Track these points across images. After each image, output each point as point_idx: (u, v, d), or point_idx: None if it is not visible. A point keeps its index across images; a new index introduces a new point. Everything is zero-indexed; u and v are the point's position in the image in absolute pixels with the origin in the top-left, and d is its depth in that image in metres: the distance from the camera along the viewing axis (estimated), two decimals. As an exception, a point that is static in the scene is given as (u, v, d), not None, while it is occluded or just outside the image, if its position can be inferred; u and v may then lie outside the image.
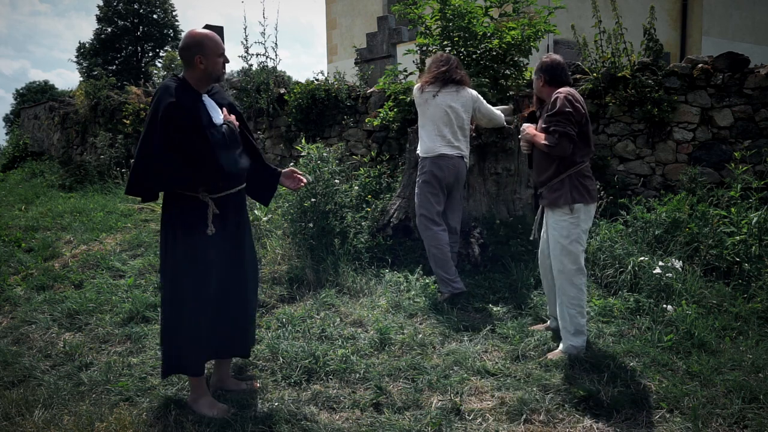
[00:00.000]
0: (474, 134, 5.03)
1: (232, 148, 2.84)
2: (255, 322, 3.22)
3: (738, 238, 4.40)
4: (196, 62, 2.81)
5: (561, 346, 3.45)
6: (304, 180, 3.30)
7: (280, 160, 7.73)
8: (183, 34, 2.91)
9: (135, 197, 2.96)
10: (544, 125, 3.43)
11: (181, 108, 2.73)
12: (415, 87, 4.52)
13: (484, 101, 4.58)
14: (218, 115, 2.89)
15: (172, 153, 2.71)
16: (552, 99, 3.39)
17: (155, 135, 2.74)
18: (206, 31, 2.89)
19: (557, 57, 3.60)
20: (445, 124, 4.35)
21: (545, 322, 3.90)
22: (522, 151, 3.73)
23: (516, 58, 5.94)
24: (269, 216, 5.54)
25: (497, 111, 4.64)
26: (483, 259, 4.83)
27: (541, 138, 3.42)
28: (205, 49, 2.81)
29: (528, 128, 3.58)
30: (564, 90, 3.40)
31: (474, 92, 4.53)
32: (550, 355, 3.41)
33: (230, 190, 2.91)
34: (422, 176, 4.41)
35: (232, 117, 2.95)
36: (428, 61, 4.94)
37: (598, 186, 5.15)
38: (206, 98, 2.90)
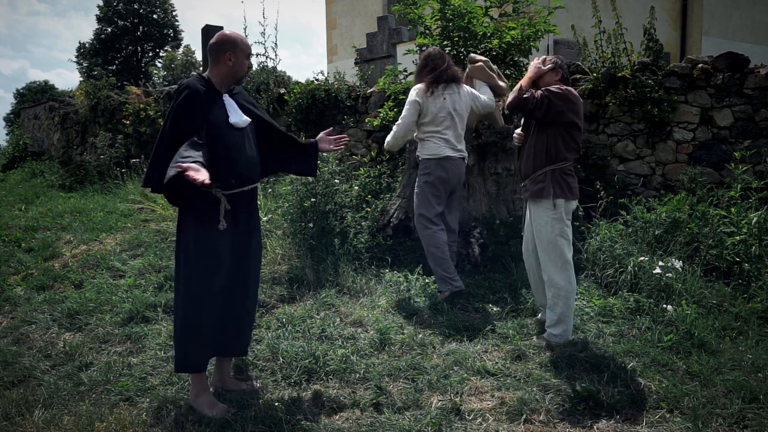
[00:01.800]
0: (474, 134, 5.03)
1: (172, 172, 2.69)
2: (254, 321, 3.25)
3: (738, 238, 4.40)
4: (225, 59, 2.89)
5: (546, 333, 3.62)
6: (344, 137, 3.44)
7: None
8: (216, 34, 2.99)
9: (139, 194, 3.00)
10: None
11: (196, 104, 2.79)
12: (419, 87, 4.38)
13: (478, 93, 4.58)
14: (237, 116, 2.92)
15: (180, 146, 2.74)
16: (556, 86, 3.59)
17: (168, 129, 2.79)
18: (238, 32, 2.98)
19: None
20: (448, 126, 4.34)
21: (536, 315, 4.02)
22: (514, 142, 3.88)
23: (516, 58, 5.94)
24: (269, 216, 5.54)
25: (487, 98, 4.61)
26: (483, 259, 4.83)
27: (524, 81, 3.62)
28: (237, 48, 2.91)
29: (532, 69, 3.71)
30: (569, 89, 3.58)
31: (468, 88, 4.54)
32: (535, 339, 3.63)
33: (243, 187, 2.94)
34: (425, 177, 4.37)
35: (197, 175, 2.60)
36: (417, 58, 4.86)
37: (598, 186, 5.18)
38: (227, 98, 2.95)
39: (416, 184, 4.48)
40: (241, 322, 3.08)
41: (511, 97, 3.61)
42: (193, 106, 2.80)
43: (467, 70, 4.70)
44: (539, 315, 3.95)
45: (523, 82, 3.63)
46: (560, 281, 3.53)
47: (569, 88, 3.59)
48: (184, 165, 2.55)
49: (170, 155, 2.75)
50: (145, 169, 2.99)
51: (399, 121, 4.41)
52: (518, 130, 3.83)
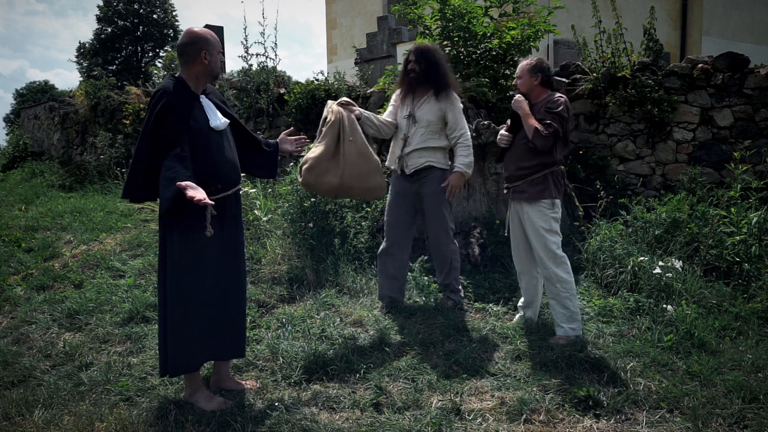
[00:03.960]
0: (474, 134, 5.03)
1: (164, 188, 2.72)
2: (246, 321, 3.25)
3: (738, 238, 4.40)
4: (202, 57, 2.86)
5: (558, 332, 3.63)
6: (303, 136, 3.45)
7: (280, 159, 7.72)
8: (182, 33, 2.95)
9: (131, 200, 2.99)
10: (538, 117, 3.57)
11: (177, 111, 2.76)
12: (458, 94, 4.13)
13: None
14: (216, 119, 2.91)
15: (165, 156, 2.72)
16: (554, 99, 3.60)
17: (149, 137, 2.76)
18: (206, 29, 2.93)
19: (546, 60, 3.81)
20: None
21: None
22: (500, 144, 3.82)
23: (516, 58, 5.93)
24: (269, 216, 5.54)
25: None
26: (483, 259, 4.83)
27: (534, 121, 3.55)
28: (210, 45, 2.88)
29: (523, 102, 3.65)
30: (563, 96, 3.63)
31: None
32: (552, 340, 3.59)
33: (227, 192, 2.92)
34: None
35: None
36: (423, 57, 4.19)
37: (598, 186, 5.19)
38: (204, 99, 2.92)
39: (438, 202, 4.04)
40: (236, 325, 3.07)
41: (538, 143, 3.52)
42: (173, 115, 2.76)
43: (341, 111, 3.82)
44: (523, 313, 3.95)
45: (533, 123, 3.53)
46: (563, 275, 3.59)
47: (559, 95, 3.61)
48: (183, 184, 2.58)
49: (152, 167, 2.73)
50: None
51: (467, 135, 4.01)
52: (503, 131, 3.80)
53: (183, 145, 2.74)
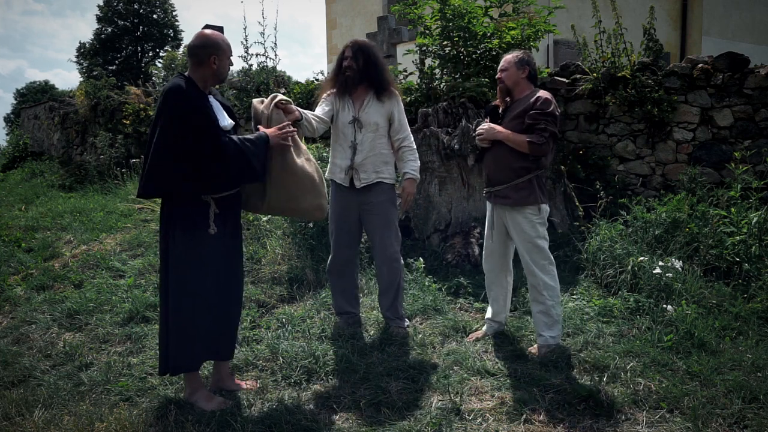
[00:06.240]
0: (474, 134, 5.03)
1: (241, 156, 2.80)
2: (239, 322, 3.24)
3: (738, 238, 4.40)
4: (210, 62, 2.86)
5: (538, 340, 3.50)
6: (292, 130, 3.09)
7: (280, 160, 7.72)
8: (195, 34, 2.96)
9: (138, 197, 2.99)
10: (529, 121, 3.35)
11: (194, 108, 2.77)
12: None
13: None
14: (224, 119, 2.92)
15: (184, 153, 2.73)
16: (539, 98, 3.38)
17: (166, 134, 2.75)
18: (219, 33, 2.94)
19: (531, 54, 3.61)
20: None
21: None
22: (479, 144, 3.60)
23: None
24: (269, 216, 5.54)
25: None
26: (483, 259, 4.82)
27: (518, 136, 3.36)
28: (220, 50, 2.89)
29: (494, 126, 3.48)
30: (548, 93, 3.42)
31: None
32: (532, 350, 3.49)
33: (231, 190, 2.93)
34: (395, 203, 3.82)
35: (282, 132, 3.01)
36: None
37: (598, 186, 5.19)
38: (212, 100, 2.94)
39: (388, 213, 3.75)
40: (233, 324, 3.08)
41: (537, 152, 3.33)
42: (190, 111, 2.76)
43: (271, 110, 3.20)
44: (486, 327, 3.78)
45: (520, 138, 3.34)
46: (550, 281, 3.46)
47: (545, 93, 3.41)
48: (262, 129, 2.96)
49: (181, 162, 2.72)
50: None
51: (411, 137, 3.75)
52: (484, 126, 3.54)
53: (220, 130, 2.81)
